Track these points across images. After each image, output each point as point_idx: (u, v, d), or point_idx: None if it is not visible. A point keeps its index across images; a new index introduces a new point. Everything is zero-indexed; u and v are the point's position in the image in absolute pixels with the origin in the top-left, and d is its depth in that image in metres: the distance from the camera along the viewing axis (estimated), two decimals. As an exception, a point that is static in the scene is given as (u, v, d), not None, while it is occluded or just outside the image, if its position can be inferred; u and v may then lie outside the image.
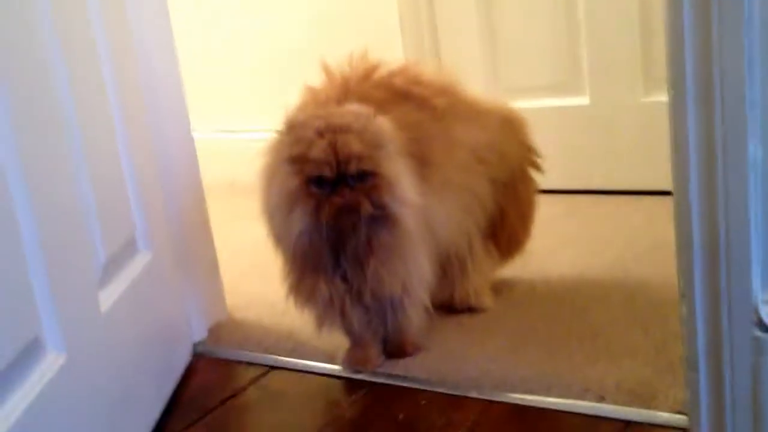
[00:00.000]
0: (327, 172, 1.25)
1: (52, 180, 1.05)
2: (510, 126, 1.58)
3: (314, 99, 1.43)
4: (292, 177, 1.27)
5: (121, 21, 1.39)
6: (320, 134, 1.26)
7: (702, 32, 0.95)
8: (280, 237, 1.34)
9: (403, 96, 1.43)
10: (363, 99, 1.36)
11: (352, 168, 1.25)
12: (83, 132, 1.16)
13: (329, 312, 1.39)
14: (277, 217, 1.31)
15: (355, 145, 1.24)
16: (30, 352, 0.96)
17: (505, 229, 1.59)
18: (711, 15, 0.94)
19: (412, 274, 1.37)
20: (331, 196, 1.25)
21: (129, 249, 1.32)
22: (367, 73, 1.44)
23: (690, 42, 0.96)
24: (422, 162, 1.37)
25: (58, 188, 1.07)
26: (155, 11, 1.54)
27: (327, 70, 1.46)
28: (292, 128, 1.29)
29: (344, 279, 1.35)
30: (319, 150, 1.25)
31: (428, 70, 1.55)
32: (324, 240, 1.30)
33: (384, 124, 1.30)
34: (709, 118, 0.97)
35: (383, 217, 1.29)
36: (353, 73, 1.44)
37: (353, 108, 1.31)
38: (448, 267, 1.52)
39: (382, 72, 1.45)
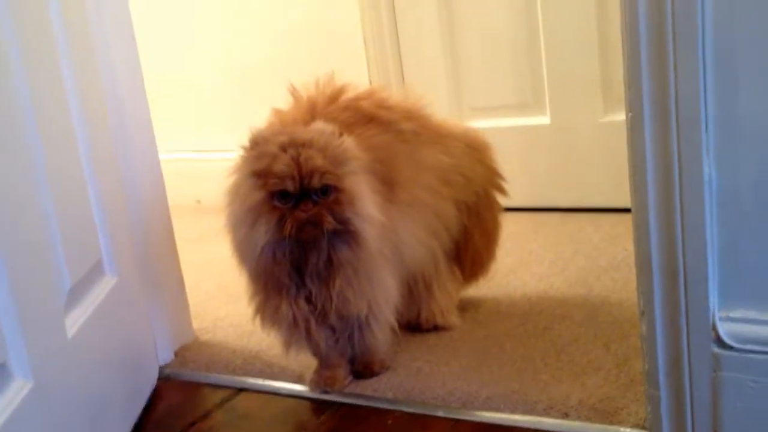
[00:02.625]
0: (290, 186, 1.26)
1: (17, 206, 1.05)
2: (474, 150, 1.60)
3: (281, 121, 1.44)
4: (256, 191, 1.28)
5: (86, 44, 1.39)
6: (283, 149, 1.27)
7: (658, 56, 0.98)
8: (243, 252, 1.33)
9: (369, 119, 1.45)
10: (330, 121, 1.37)
11: (315, 182, 1.26)
12: (47, 157, 1.16)
13: (295, 334, 1.39)
14: (240, 231, 1.31)
15: (318, 160, 1.25)
16: (-4, 379, 0.96)
17: (470, 251, 1.61)
18: (666, 39, 0.97)
19: (378, 293, 1.38)
20: (294, 211, 1.26)
21: (95, 274, 1.32)
22: (334, 96, 1.46)
23: (646, 65, 0.99)
24: (388, 183, 1.39)
25: (22, 214, 1.07)
26: (120, 34, 1.54)
27: (294, 93, 1.47)
28: (256, 144, 1.30)
29: (309, 300, 1.35)
30: (282, 164, 1.26)
31: (394, 95, 1.57)
32: (287, 256, 1.30)
33: (348, 141, 1.32)
34: (666, 140, 1.00)
35: (345, 233, 1.29)
36: (320, 96, 1.45)
37: (317, 125, 1.33)
38: (414, 287, 1.54)
39: (348, 95, 1.47)
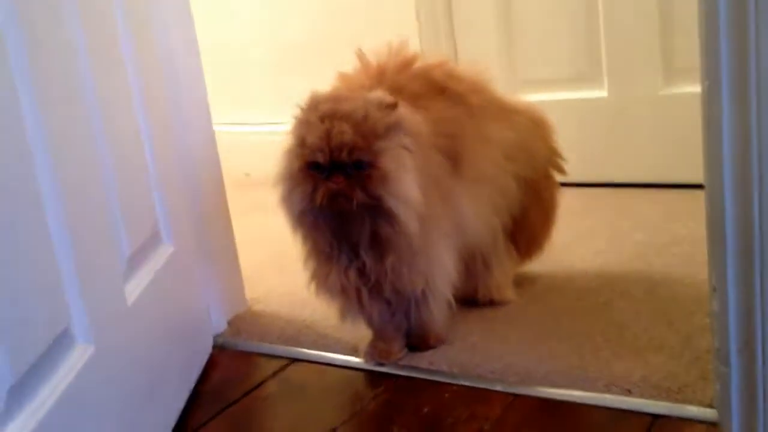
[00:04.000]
0: (320, 159, 1.25)
1: (80, 176, 1.05)
2: (538, 127, 1.57)
3: (347, 86, 1.41)
4: (296, 159, 1.28)
5: (144, 17, 1.39)
6: (322, 119, 1.25)
7: (738, 21, 0.94)
8: (285, 213, 1.33)
9: (439, 90, 1.42)
10: (398, 89, 1.36)
11: (345, 156, 1.24)
12: (108, 128, 1.16)
13: (347, 303, 1.39)
14: (282, 192, 1.32)
15: (348, 135, 1.23)
16: (60, 344, 0.96)
17: (526, 229, 1.58)
18: (747, 2, 0.93)
19: (434, 269, 1.36)
20: (327, 182, 1.25)
21: (152, 242, 1.32)
22: (406, 64, 1.43)
23: (725, 31, 0.95)
24: (455, 158, 1.37)
25: (84, 183, 1.07)
26: (178, 6, 1.53)
27: (362, 58, 1.45)
28: (307, 109, 1.29)
29: (362, 272, 1.34)
30: (314, 136, 1.25)
31: (462, 67, 1.54)
32: (326, 224, 1.30)
33: (399, 114, 1.28)
34: (744, 110, 0.96)
35: (382, 210, 1.27)
36: (390, 62, 1.43)
37: (371, 95, 1.30)
38: (472, 263, 1.51)
39: (420, 64, 1.44)
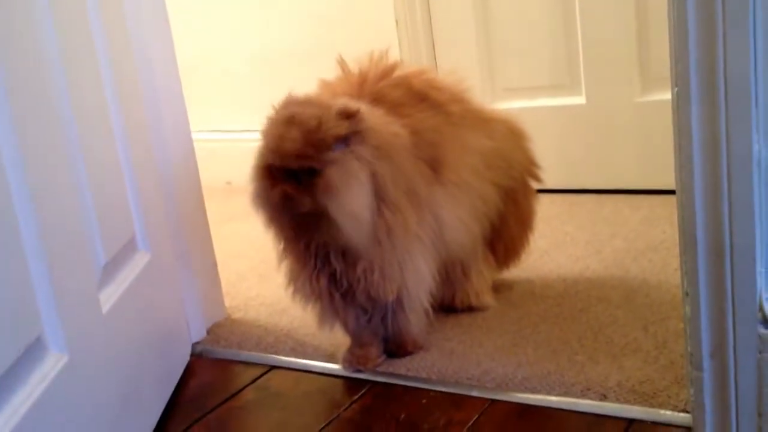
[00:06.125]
0: (275, 161, 1.26)
1: (53, 182, 1.05)
2: (515, 136, 1.58)
3: (329, 93, 1.42)
4: (259, 158, 1.29)
5: (120, 22, 1.39)
6: (280, 123, 1.26)
7: (706, 28, 0.95)
8: (256, 211, 1.34)
9: (420, 98, 1.43)
10: (380, 97, 1.37)
11: (292, 163, 1.24)
12: (82, 134, 1.16)
13: (321, 308, 1.40)
14: (251, 190, 1.32)
15: (296, 143, 1.24)
16: (32, 353, 0.96)
17: (504, 236, 1.59)
18: (715, 11, 0.94)
19: (409, 278, 1.36)
20: (281, 184, 1.26)
21: (129, 250, 1.32)
22: (386, 72, 1.44)
23: (694, 38, 0.96)
24: (436, 165, 1.37)
25: (58, 190, 1.06)
26: (154, 13, 1.53)
27: (343, 66, 1.46)
28: (275, 110, 1.30)
29: (333, 277, 1.34)
30: (269, 139, 1.27)
31: (441, 77, 1.55)
32: (289, 226, 1.31)
33: (369, 124, 1.28)
34: (714, 116, 0.97)
35: (330, 220, 1.26)
36: (372, 71, 1.43)
37: (336, 102, 1.29)
38: (452, 271, 1.52)
39: (400, 72, 1.45)
